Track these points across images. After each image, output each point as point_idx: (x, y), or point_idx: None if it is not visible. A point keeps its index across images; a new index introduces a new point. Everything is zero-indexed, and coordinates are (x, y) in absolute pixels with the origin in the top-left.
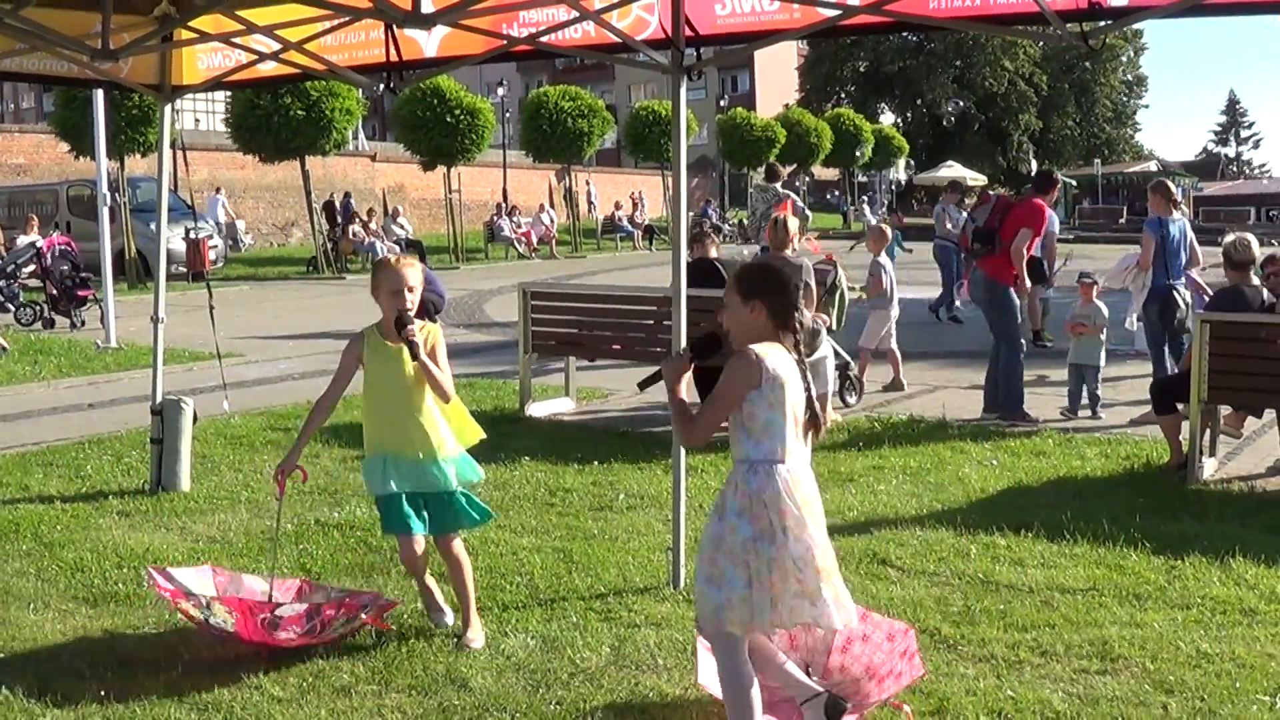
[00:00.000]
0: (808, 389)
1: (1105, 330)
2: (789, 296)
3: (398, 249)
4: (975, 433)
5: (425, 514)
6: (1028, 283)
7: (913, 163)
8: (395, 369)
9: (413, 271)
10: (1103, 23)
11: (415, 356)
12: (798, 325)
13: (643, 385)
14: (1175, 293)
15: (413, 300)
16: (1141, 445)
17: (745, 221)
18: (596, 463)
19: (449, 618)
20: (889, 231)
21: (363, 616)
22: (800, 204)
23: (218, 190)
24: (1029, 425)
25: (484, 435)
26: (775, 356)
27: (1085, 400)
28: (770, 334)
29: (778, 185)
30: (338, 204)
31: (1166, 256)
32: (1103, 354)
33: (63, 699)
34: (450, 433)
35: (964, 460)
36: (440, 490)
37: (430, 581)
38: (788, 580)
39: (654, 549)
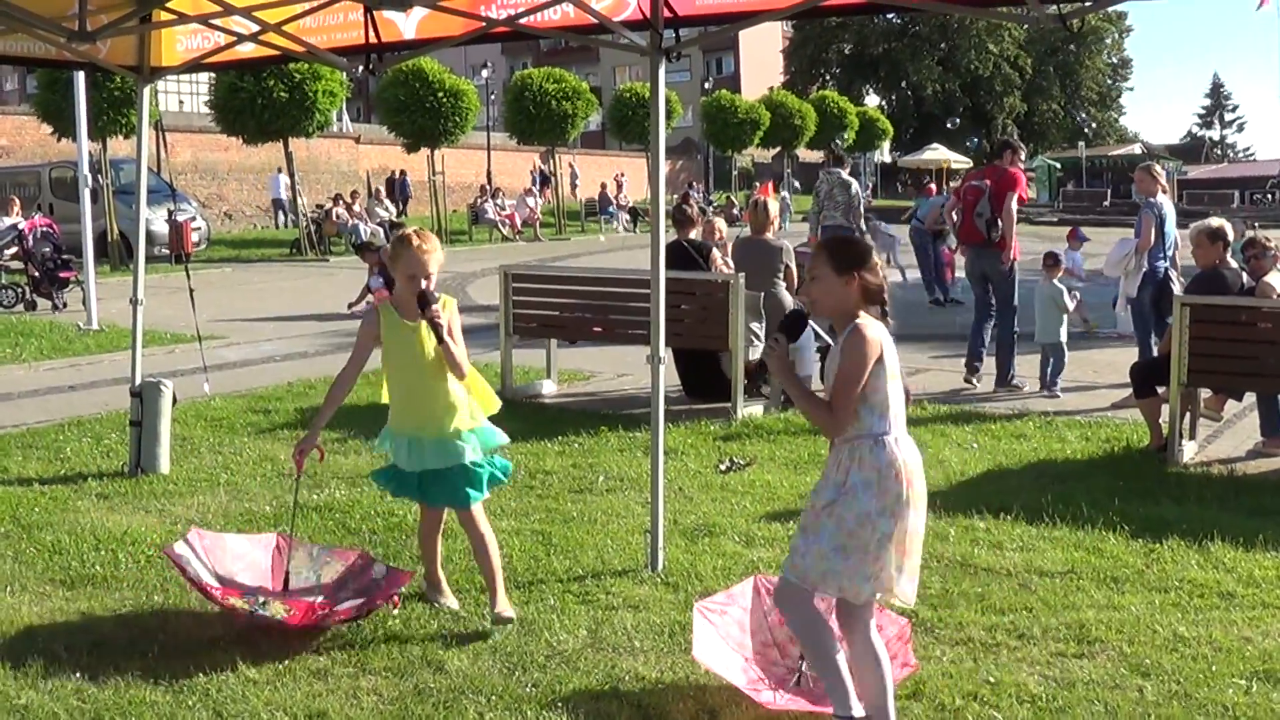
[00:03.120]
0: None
1: (1067, 311)
2: (877, 268)
3: (381, 231)
4: (955, 415)
5: (439, 489)
6: (1013, 251)
7: (897, 145)
8: (413, 346)
9: (433, 259)
10: (1081, 3)
11: (440, 339)
12: (885, 297)
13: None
14: (1169, 275)
15: (429, 284)
16: (1121, 428)
17: (739, 204)
18: (577, 445)
19: (453, 603)
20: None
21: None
22: (858, 189)
23: (279, 170)
24: (1017, 394)
25: (500, 404)
26: (880, 329)
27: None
28: (862, 306)
29: (841, 170)
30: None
31: (1162, 238)
32: (1064, 333)
33: (39, 680)
34: (471, 404)
35: (944, 443)
36: (460, 463)
37: (439, 568)
38: (903, 553)
39: (633, 531)
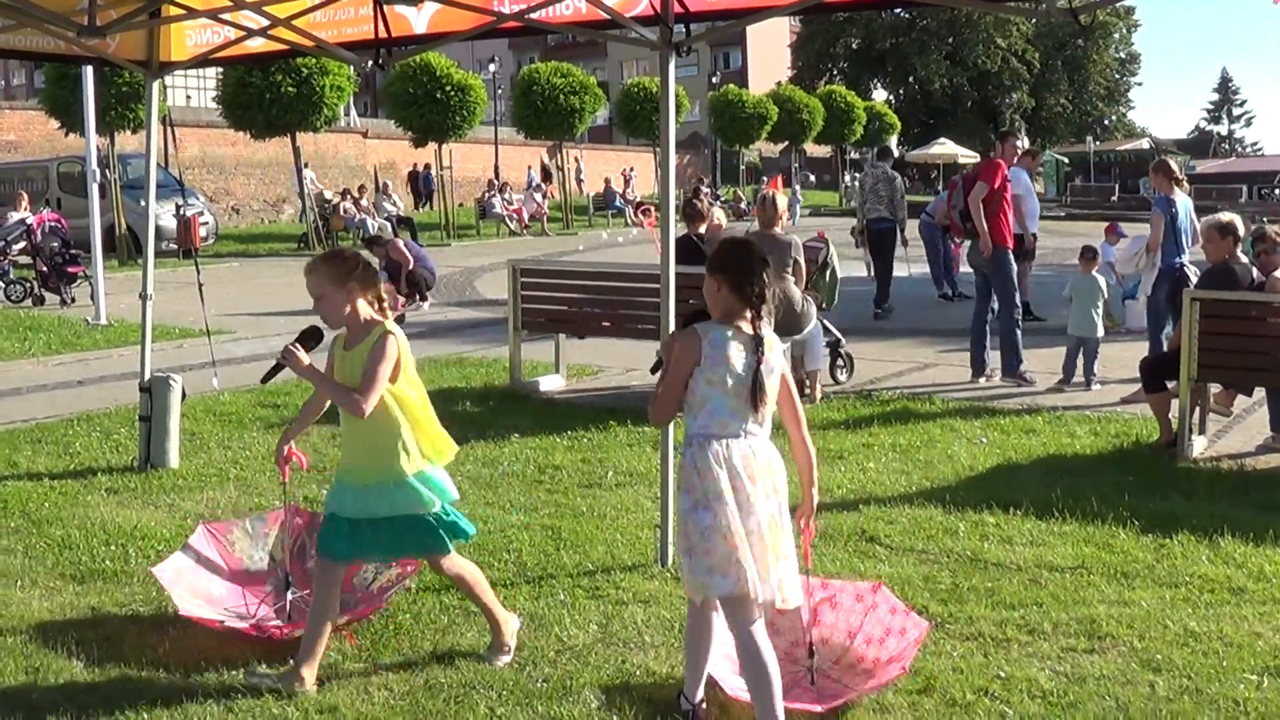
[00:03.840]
0: (757, 365)
1: (1102, 303)
2: (750, 271)
3: (389, 225)
4: (965, 410)
5: (378, 537)
6: (988, 239)
7: (905, 139)
8: (347, 380)
9: (312, 280)
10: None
11: (263, 380)
12: (755, 299)
13: None
14: (1186, 272)
15: (321, 309)
16: (1131, 423)
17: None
18: (586, 440)
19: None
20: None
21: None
22: (901, 184)
23: (305, 164)
24: (1026, 386)
25: (456, 449)
26: (718, 333)
27: (1080, 373)
28: (735, 308)
29: (887, 165)
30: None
31: (1175, 235)
32: (1100, 326)
33: (49, 676)
34: (416, 449)
35: (954, 438)
36: (405, 514)
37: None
38: (734, 546)
39: (642, 526)
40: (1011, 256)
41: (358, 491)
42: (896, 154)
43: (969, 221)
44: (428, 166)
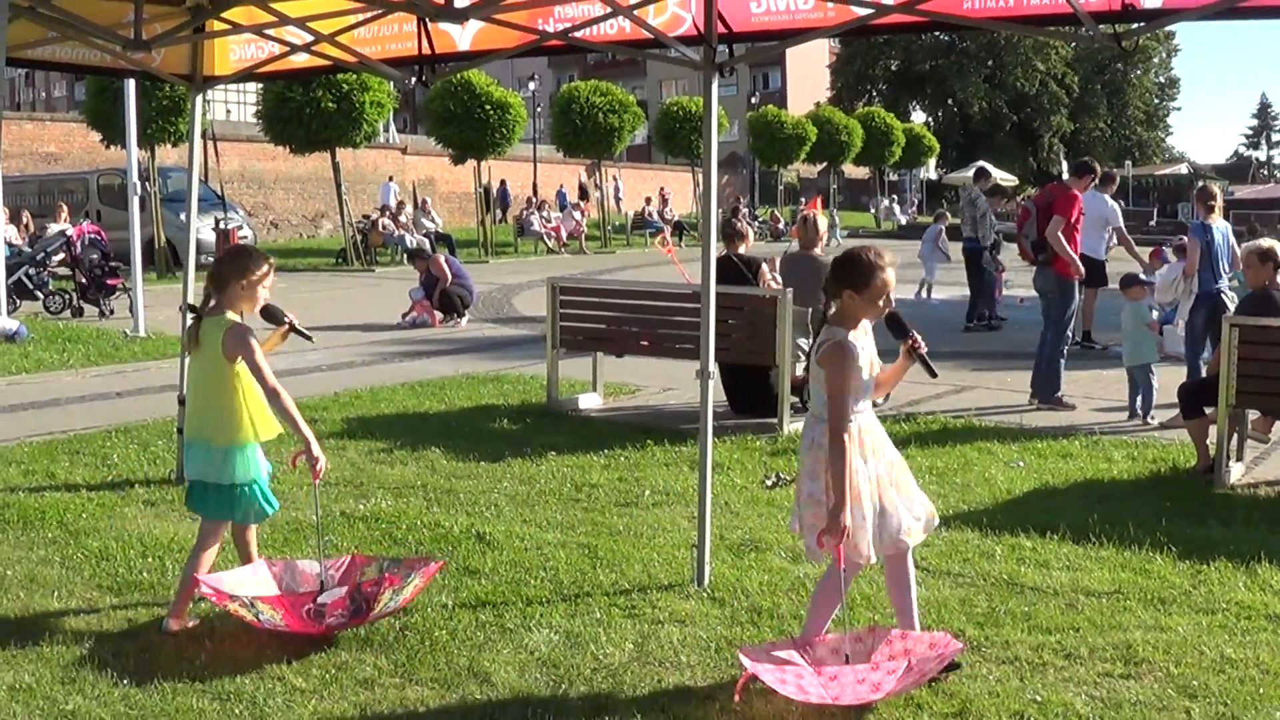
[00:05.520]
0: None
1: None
2: (871, 277)
3: (427, 242)
4: (1002, 433)
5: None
6: (1080, 268)
7: (943, 162)
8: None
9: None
10: (1135, 24)
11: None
12: (881, 302)
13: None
14: (1223, 297)
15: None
16: (1169, 449)
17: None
18: (623, 459)
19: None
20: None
21: (414, 581)
22: (985, 206)
23: (390, 179)
24: (1064, 410)
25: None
26: (855, 338)
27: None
28: (863, 312)
29: (979, 187)
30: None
31: (1212, 261)
32: (1155, 354)
33: (85, 687)
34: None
35: (990, 461)
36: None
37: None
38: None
39: (679, 546)
40: (1077, 287)
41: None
42: (994, 178)
43: (1041, 252)
44: (503, 182)
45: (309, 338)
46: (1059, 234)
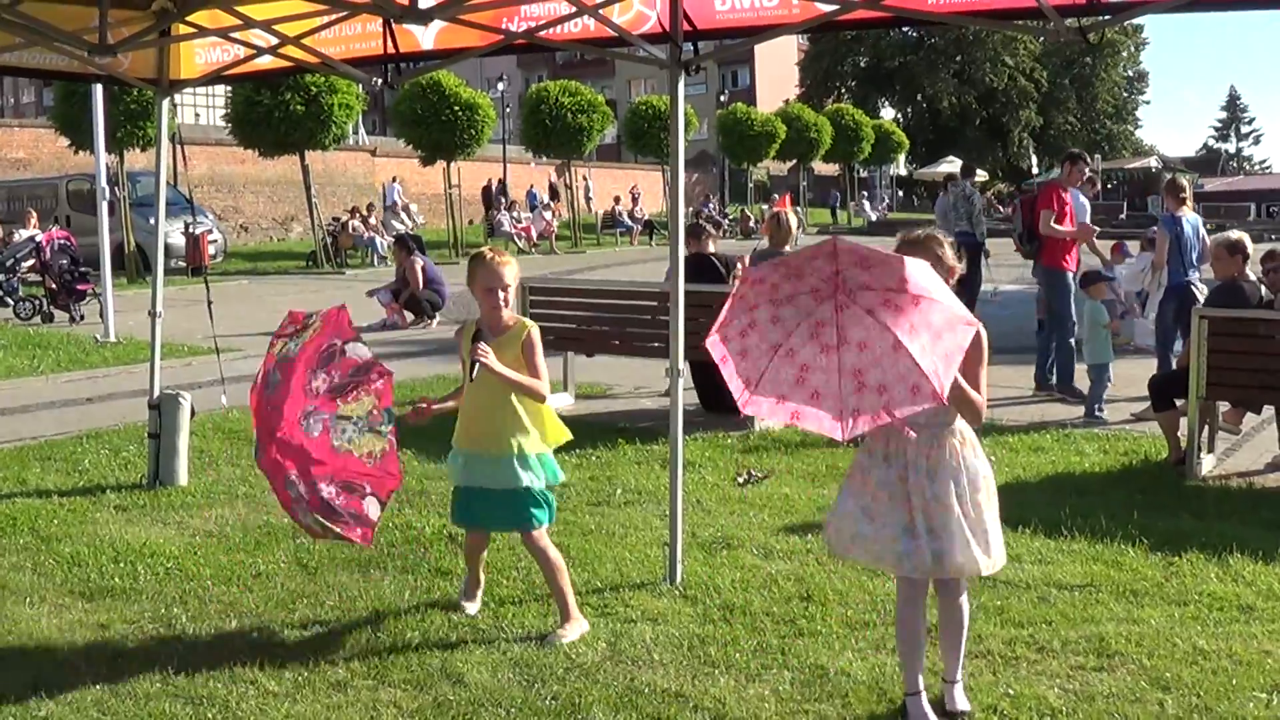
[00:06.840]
0: None
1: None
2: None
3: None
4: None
5: (496, 510)
6: (1101, 251)
7: (913, 157)
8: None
9: (508, 269)
10: (1101, 17)
11: (470, 376)
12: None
13: None
14: (1192, 289)
15: (505, 298)
16: (1140, 441)
17: (755, 217)
18: (594, 458)
19: (471, 609)
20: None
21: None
22: (980, 201)
23: (394, 179)
24: (1078, 400)
25: (570, 436)
26: None
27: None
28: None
29: (968, 183)
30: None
31: (1182, 253)
32: (1109, 352)
33: (58, 693)
34: (535, 431)
35: None
36: (511, 488)
37: (480, 573)
38: None
39: (651, 544)
40: (1070, 278)
41: (486, 463)
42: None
43: (1031, 244)
44: (532, 186)
45: None
46: (1051, 225)
